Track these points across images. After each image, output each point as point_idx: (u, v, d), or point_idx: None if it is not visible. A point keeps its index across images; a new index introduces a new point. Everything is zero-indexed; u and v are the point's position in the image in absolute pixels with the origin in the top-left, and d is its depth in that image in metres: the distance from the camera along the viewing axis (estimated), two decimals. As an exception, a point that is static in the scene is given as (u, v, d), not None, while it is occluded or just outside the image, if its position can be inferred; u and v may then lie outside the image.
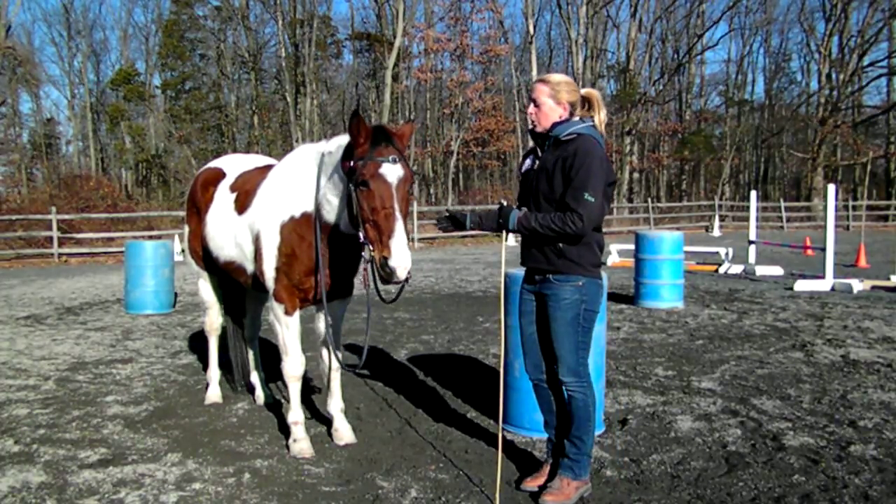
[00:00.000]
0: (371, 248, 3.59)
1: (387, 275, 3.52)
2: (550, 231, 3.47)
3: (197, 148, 40.66)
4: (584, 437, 3.63)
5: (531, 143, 3.85)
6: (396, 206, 3.55)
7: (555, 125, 3.60)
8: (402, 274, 3.50)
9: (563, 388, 3.65)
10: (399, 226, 3.52)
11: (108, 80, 45.35)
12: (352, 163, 3.68)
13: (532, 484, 3.80)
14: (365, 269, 3.76)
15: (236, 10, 38.27)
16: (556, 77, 3.67)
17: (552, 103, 3.60)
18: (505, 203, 3.62)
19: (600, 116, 3.70)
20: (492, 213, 3.64)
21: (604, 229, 3.80)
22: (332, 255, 4.17)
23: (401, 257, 3.48)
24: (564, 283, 3.58)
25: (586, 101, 3.69)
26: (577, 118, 3.62)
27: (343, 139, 4.00)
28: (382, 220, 3.53)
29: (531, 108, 3.65)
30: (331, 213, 4.05)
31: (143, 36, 47.39)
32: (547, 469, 3.84)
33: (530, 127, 3.71)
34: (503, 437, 4.04)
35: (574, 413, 3.63)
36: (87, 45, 45.58)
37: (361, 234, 3.65)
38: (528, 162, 3.78)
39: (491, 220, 3.63)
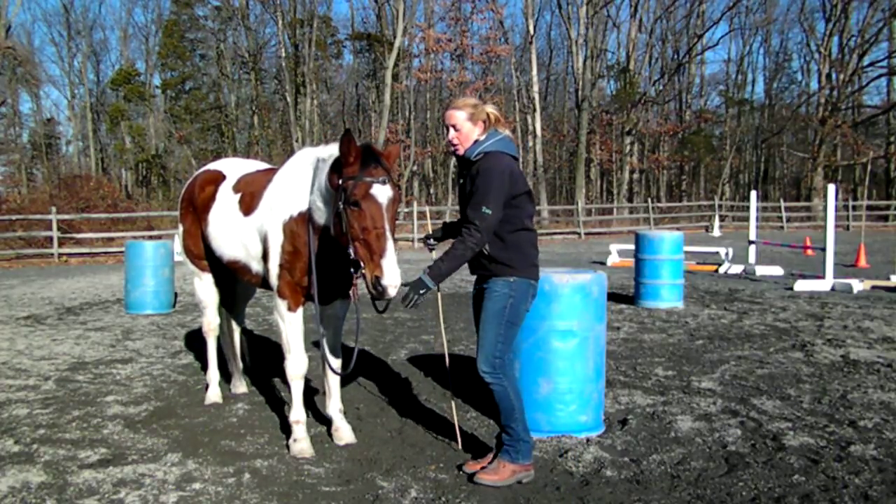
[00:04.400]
0: (362, 265, 3.68)
1: (378, 293, 3.65)
2: (463, 258, 3.75)
3: (197, 148, 40.70)
4: (513, 424, 3.86)
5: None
6: (387, 226, 3.65)
7: (468, 148, 3.85)
8: (392, 292, 3.64)
9: (483, 379, 3.85)
10: (390, 245, 3.64)
11: (108, 80, 45.38)
12: (340, 180, 3.76)
13: (473, 467, 4.04)
14: (355, 283, 3.86)
15: (236, 10, 38.28)
16: (469, 100, 3.94)
17: (470, 125, 3.85)
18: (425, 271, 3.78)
19: (505, 131, 3.94)
20: (417, 282, 3.76)
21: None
22: (329, 255, 4.20)
23: (392, 276, 3.61)
24: (498, 279, 3.88)
25: (491, 118, 3.93)
26: (484, 136, 3.85)
27: (335, 149, 4.08)
28: (374, 240, 3.64)
29: (452, 134, 3.87)
30: (321, 218, 4.13)
31: (143, 36, 47.48)
32: (490, 457, 4.07)
33: (452, 151, 3.94)
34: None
35: (498, 404, 3.86)
36: (87, 45, 45.66)
37: (351, 251, 3.73)
38: (462, 182, 4.04)
39: (418, 288, 3.75)
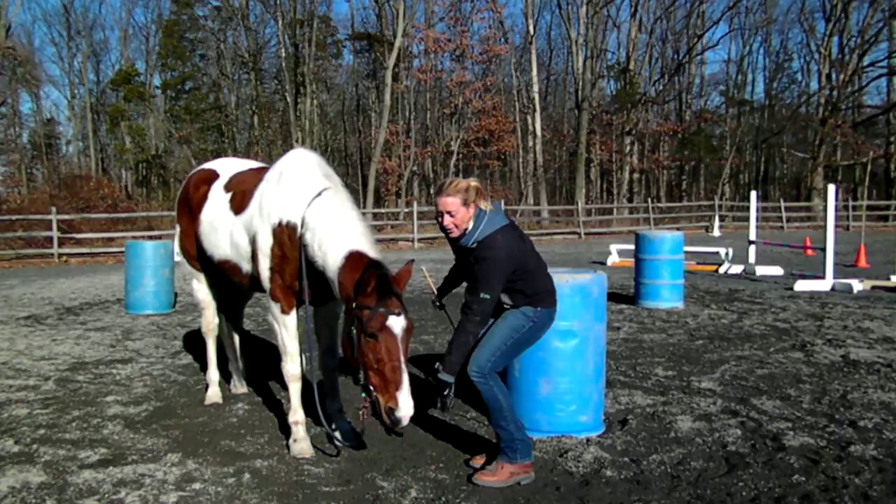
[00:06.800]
0: (374, 391, 3.67)
1: (392, 423, 3.63)
2: (468, 344, 3.81)
3: (197, 148, 40.64)
4: (504, 424, 3.90)
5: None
6: (402, 358, 3.65)
7: (464, 234, 3.90)
8: (406, 422, 3.64)
9: (469, 378, 3.90)
10: (405, 377, 3.64)
11: (108, 80, 45.32)
12: (354, 305, 3.73)
13: (477, 461, 4.14)
14: (365, 407, 3.84)
15: (236, 10, 38.24)
16: (460, 184, 3.93)
17: (464, 209, 3.88)
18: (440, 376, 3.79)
19: (486, 205, 3.95)
20: (438, 385, 3.81)
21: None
22: (316, 268, 4.20)
23: (407, 408, 3.61)
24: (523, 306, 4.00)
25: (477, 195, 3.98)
26: (471, 221, 3.89)
27: (339, 197, 4.18)
28: (389, 372, 3.63)
29: (448, 220, 3.89)
30: (311, 255, 4.11)
31: (143, 36, 47.40)
32: (485, 454, 4.18)
33: (449, 234, 3.95)
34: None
35: (487, 404, 3.93)
36: (87, 45, 45.58)
37: (362, 377, 3.71)
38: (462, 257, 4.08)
39: (442, 389, 3.79)
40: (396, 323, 3.67)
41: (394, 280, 3.79)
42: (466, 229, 3.90)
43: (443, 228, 3.96)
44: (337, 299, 4.59)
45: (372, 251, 3.97)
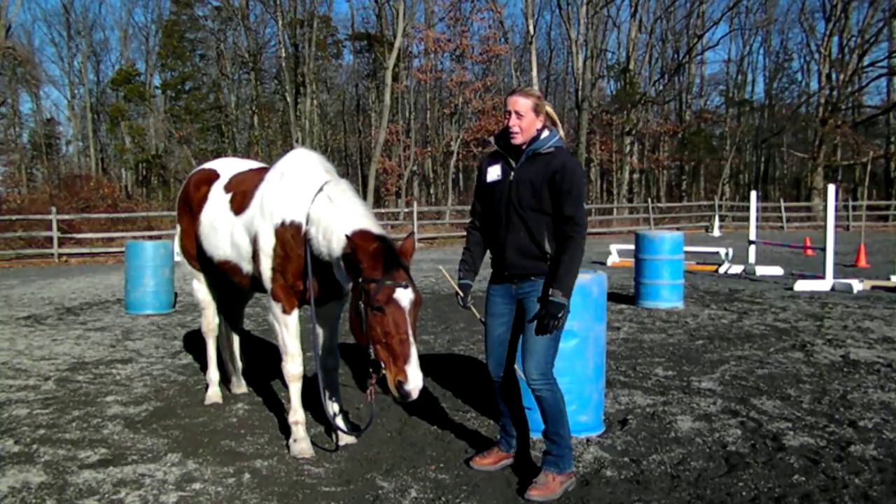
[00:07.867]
0: (383, 366, 3.65)
1: (401, 397, 3.60)
2: (581, 260, 3.66)
3: (197, 148, 40.65)
4: (561, 431, 3.76)
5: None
6: (410, 331, 3.61)
7: (532, 139, 3.76)
8: (415, 395, 3.60)
9: (530, 388, 3.77)
10: (414, 350, 3.60)
11: (108, 80, 45.35)
12: (360, 280, 3.69)
13: (479, 462, 4.07)
14: (373, 384, 3.84)
15: (236, 10, 38.24)
16: (535, 91, 3.84)
17: (533, 115, 3.74)
18: (555, 300, 3.59)
19: (561, 132, 3.89)
20: (554, 307, 3.58)
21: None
22: (320, 264, 4.19)
23: (416, 380, 3.57)
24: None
25: (549, 118, 3.88)
26: (546, 132, 3.79)
27: (340, 186, 4.14)
28: (397, 345, 3.59)
29: (513, 120, 3.72)
30: (317, 247, 4.10)
31: (143, 36, 47.39)
32: (495, 451, 4.10)
33: (511, 138, 3.76)
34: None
35: (547, 411, 3.77)
36: (87, 45, 45.58)
37: (371, 352, 3.70)
38: (496, 172, 3.87)
39: (557, 312, 3.58)
40: (404, 295, 3.63)
41: (400, 252, 3.76)
42: (535, 138, 3.73)
43: (504, 132, 3.77)
44: (339, 301, 4.61)
45: (375, 228, 3.93)
